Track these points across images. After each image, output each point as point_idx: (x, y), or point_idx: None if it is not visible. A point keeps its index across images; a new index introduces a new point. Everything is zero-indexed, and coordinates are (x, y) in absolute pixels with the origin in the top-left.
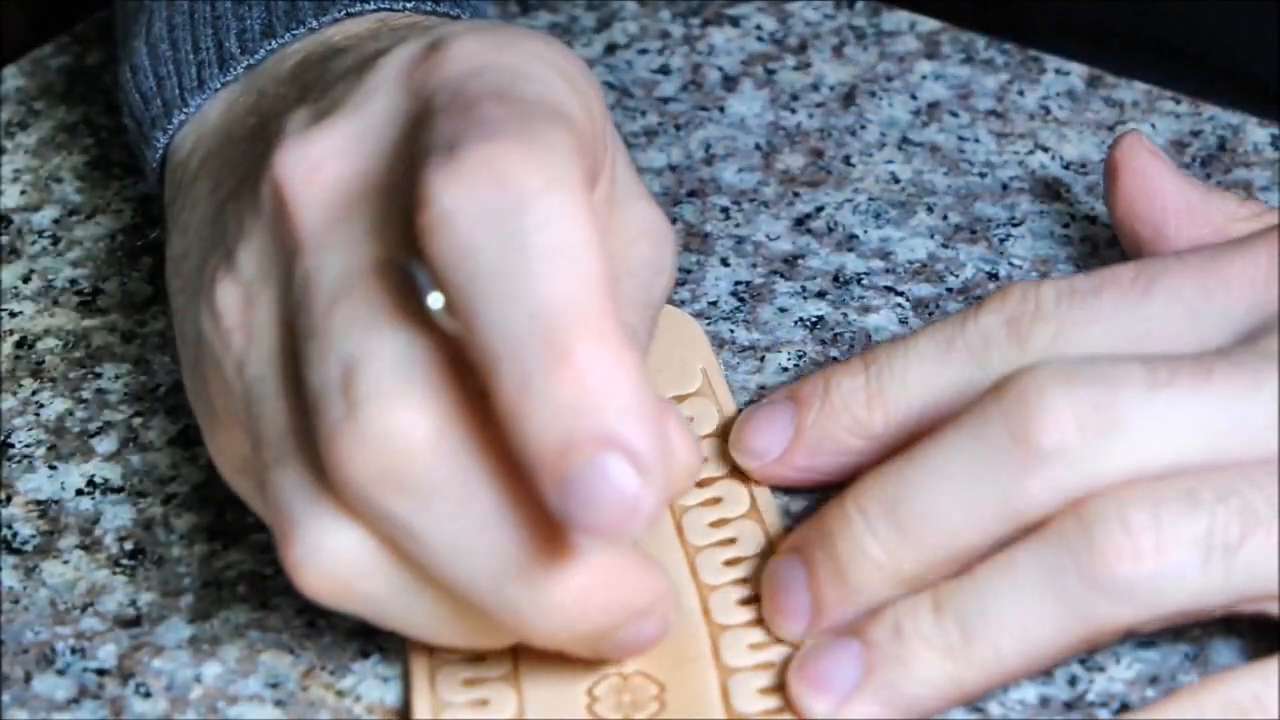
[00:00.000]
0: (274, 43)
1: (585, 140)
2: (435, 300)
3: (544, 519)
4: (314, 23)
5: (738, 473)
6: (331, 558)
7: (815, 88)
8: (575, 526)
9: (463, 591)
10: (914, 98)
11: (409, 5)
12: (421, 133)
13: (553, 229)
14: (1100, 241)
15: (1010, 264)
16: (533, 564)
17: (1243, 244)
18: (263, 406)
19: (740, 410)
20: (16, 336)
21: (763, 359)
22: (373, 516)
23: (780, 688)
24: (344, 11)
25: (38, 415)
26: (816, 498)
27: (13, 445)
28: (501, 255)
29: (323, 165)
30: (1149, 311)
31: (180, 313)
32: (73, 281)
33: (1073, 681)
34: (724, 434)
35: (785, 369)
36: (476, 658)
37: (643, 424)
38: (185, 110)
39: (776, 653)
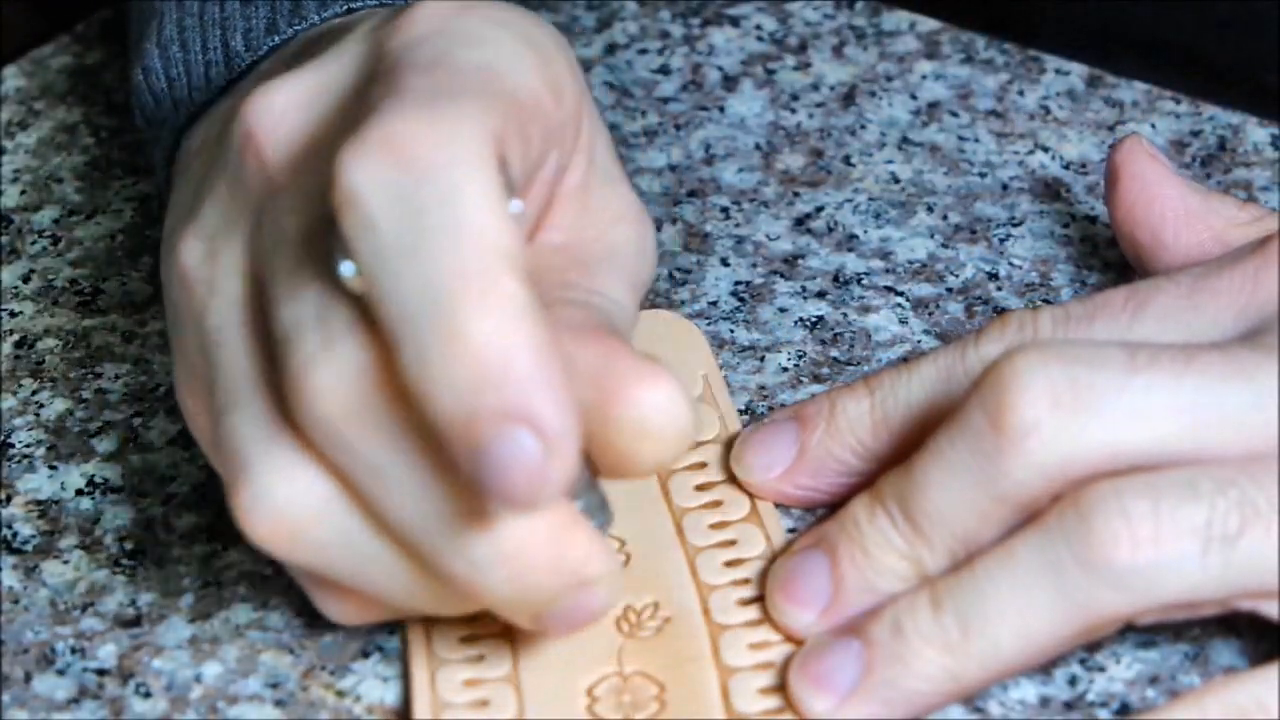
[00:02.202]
0: (276, 38)
1: (520, 108)
2: (346, 269)
3: None
4: (316, 18)
5: (738, 479)
6: (284, 500)
7: (815, 88)
8: (488, 494)
9: (413, 536)
10: (914, 98)
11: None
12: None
13: (450, 205)
14: (1100, 241)
15: (1010, 264)
16: (481, 512)
17: (1232, 257)
18: (220, 352)
19: (741, 413)
20: (16, 336)
21: (763, 359)
22: (337, 455)
23: (780, 687)
24: (345, 7)
25: (38, 415)
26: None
27: (13, 445)
28: (400, 231)
29: (288, 112)
30: (1142, 333)
31: (164, 285)
32: (73, 281)
33: (1073, 681)
34: (725, 440)
35: (785, 369)
36: (477, 658)
37: (545, 395)
38: (192, 107)
39: (777, 652)
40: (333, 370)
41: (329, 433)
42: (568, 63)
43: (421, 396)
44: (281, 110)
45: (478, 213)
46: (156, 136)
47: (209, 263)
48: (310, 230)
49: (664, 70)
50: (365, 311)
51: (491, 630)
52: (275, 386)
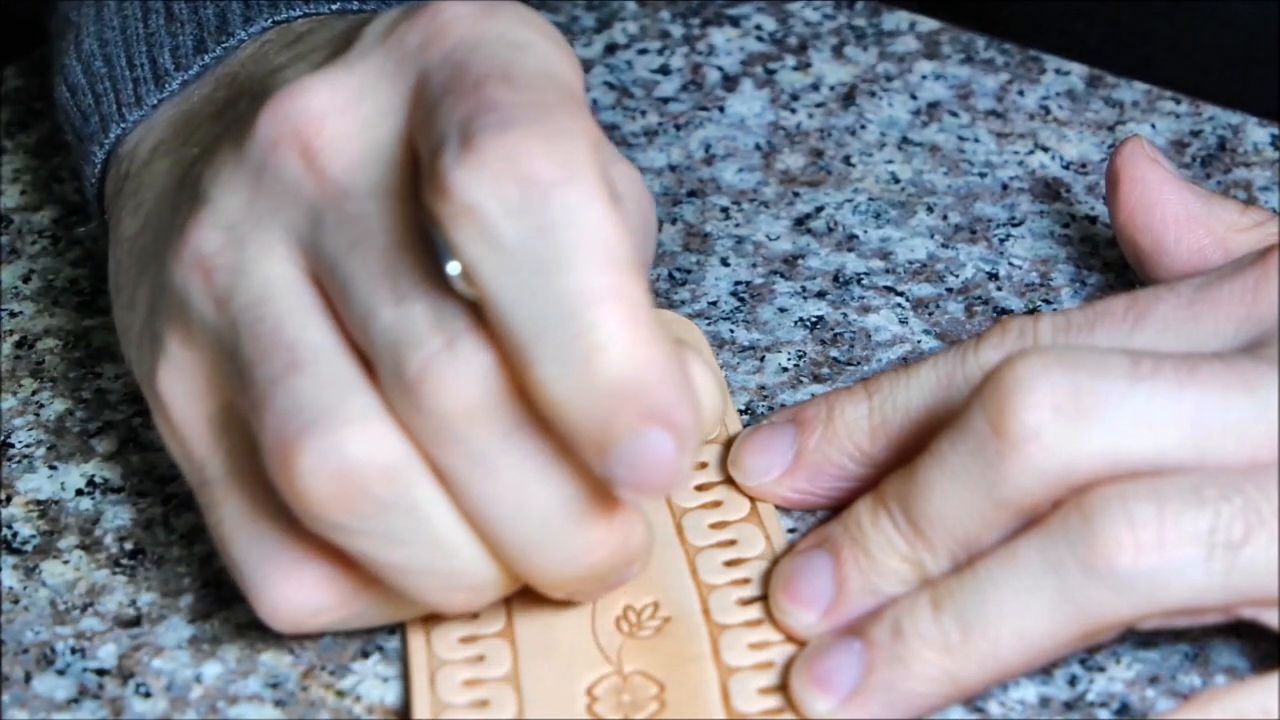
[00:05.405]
0: (206, 58)
1: (585, 109)
2: (454, 268)
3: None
4: (243, 34)
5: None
6: (358, 451)
7: (815, 88)
8: (619, 488)
9: (504, 528)
10: (914, 98)
11: (334, 7)
12: (429, 112)
13: (578, 221)
14: (1100, 241)
15: (1010, 264)
16: (584, 506)
17: (1232, 268)
18: (262, 326)
19: (741, 413)
20: (16, 336)
21: (763, 359)
22: (449, 449)
23: (780, 687)
24: (270, 20)
25: (38, 415)
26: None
27: (13, 445)
28: (529, 250)
29: (328, 115)
30: (1142, 342)
31: (128, 286)
32: (73, 281)
33: (1073, 681)
34: (725, 441)
35: (785, 369)
36: (476, 658)
37: (678, 396)
38: (123, 125)
39: (776, 652)
40: (458, 369)
41: (449, 429)
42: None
43: (557, 406)
44: (320, 112)
45: (604, 227)
46: (85, 151)
47: (232, 249)
48: (404, 237)
49: (664, 70)
50: (478, 315)
51: (491, 630)
52: (345, 352)
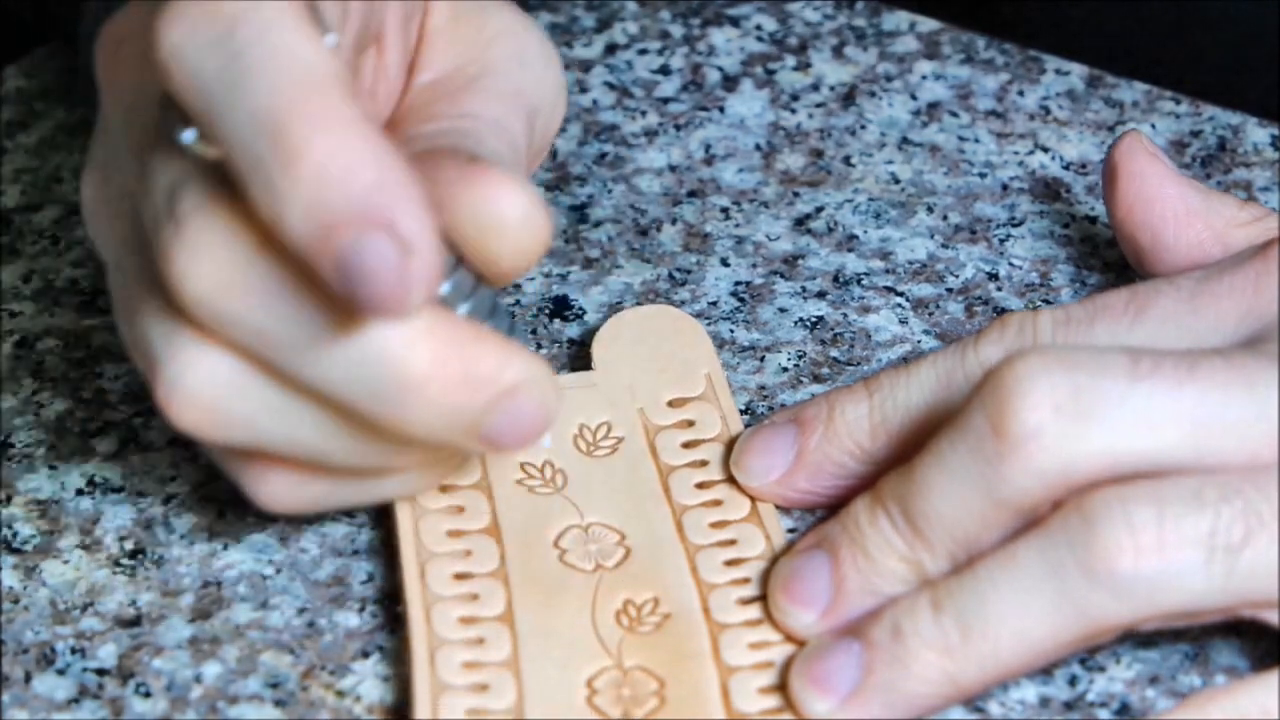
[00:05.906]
0: None
1: None
2: (187, 136)
3: None
4: None
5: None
6: (196, 384)
7: (815, 88)
8: (360, 307)
9: (321, 390)
10: (914, 98)
11: None
12: None
13: (265, 40)
14: (1100, 241)
15: (1010, 264)
16: (380, 351)
17: (1233, 261)
18: (126, 263)
19: (741, 413)
20: (16, 336)
21: (763, 359)
22: (223, 329)
23: (780, 687)
24: None
25: (38, 415)
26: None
27: (13, 445)
28: (224, 76)
29: (126, 31)
30: (1142, 336)
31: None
32: (73, 281)
33: (1073, 681)
34: (727, 440)
35: (785, 369)
36: (476, 640)
37: (393, 197)
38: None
39: (776, 652)
40: (189, 249)
41: (208, 310)
42: None
43: (277, 225)
44: (119, 32)
45: (292, 41)
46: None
47: (103, 188)
48: (143, 125)
49: (664, 70)
50: (212, 183)
51: (491, 614)
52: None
